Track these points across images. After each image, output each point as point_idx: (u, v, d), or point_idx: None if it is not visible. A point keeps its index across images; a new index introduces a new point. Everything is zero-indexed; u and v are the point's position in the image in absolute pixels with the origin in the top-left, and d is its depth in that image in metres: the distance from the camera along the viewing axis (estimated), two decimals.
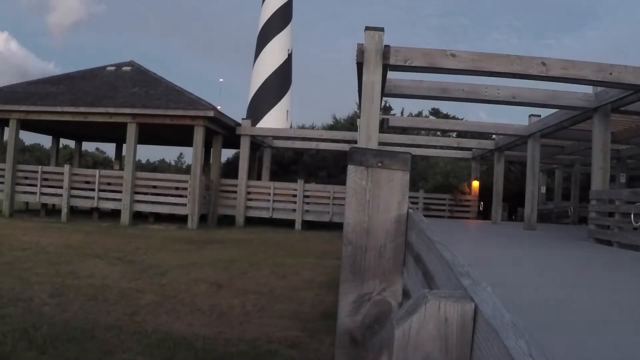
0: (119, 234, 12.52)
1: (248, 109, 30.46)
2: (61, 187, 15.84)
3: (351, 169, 1.64)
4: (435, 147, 21.19)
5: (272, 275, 7.94)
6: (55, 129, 20.71)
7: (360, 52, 7.66)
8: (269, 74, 30.22)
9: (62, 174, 16.06)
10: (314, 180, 23.86)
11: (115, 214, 16.23)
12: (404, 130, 19.84)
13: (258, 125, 25.02)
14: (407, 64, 7.83)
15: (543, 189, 24.48)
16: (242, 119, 18.59)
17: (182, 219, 16.17)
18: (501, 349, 0.77)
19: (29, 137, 34.23)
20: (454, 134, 26.60)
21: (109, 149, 39.93)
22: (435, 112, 31.29)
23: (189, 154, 19.30)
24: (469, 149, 20.32)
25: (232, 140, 18.41)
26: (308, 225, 17.28)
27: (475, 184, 20.37)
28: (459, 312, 0.98)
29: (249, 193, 17.39)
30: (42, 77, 18.07)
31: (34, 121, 16.89)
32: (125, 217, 15.18)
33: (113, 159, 27.03)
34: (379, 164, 1.61)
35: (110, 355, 4.08)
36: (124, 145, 18.41)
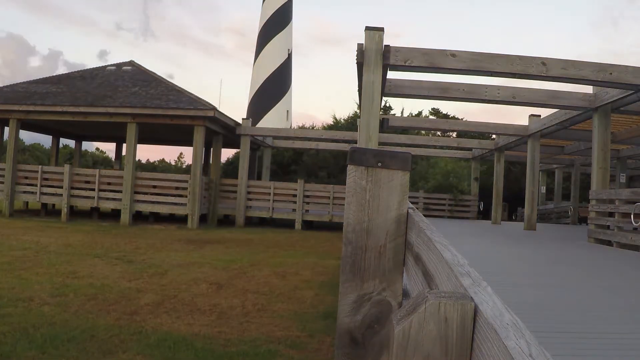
0: (119, 234, 12.52)
1: (248, 109, 30.48)
2: (61, 187, 15.84)
3: (351, 168, 1.63)
4: (435, 147, 21.23)
5: (272, 275, 7.93)
6: (55, 129, 20.72)
7: (360, 52, 7.66)
8: (269, 73, 30.25)
9: (62, 173, 16.05)
10: (314, 180, 23.90)
11: (115, 214, 16.25)
12: (404, 130, 19.86)
13: (258, 125, 25.05)
14: (407, 64, 7.83)
15: (543, 189, 24.52)
16: (242, 118, 18.58)
17: (182, 219, 16.18)
18: (501, 348, 0.77)
19: (29, 137, 34.32)
20: (454, 134, 26.65)
21: (109, 149, 40.09)
22: (436, 112, 31.31)
23: (189, 154, 19.34)
24: (469, 149, 20.33)
25: (232, 140, 18.42)
26: (308, 225, 17.28)
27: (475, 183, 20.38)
28: (459, 312, 0.98)
29: (249, 193, 17.39)
30: (42, 77, 18.09)
31: (34, 121, 16.92)
32: (125, 217, 15.19)
33: (113, 159, 27.04)
34: (379, 164, 1.61)
35: (110, 355, 4.08)
36: (124, 145, 18.42)
